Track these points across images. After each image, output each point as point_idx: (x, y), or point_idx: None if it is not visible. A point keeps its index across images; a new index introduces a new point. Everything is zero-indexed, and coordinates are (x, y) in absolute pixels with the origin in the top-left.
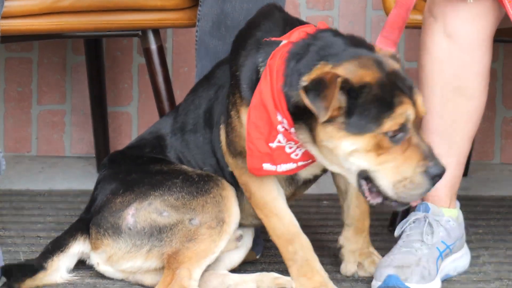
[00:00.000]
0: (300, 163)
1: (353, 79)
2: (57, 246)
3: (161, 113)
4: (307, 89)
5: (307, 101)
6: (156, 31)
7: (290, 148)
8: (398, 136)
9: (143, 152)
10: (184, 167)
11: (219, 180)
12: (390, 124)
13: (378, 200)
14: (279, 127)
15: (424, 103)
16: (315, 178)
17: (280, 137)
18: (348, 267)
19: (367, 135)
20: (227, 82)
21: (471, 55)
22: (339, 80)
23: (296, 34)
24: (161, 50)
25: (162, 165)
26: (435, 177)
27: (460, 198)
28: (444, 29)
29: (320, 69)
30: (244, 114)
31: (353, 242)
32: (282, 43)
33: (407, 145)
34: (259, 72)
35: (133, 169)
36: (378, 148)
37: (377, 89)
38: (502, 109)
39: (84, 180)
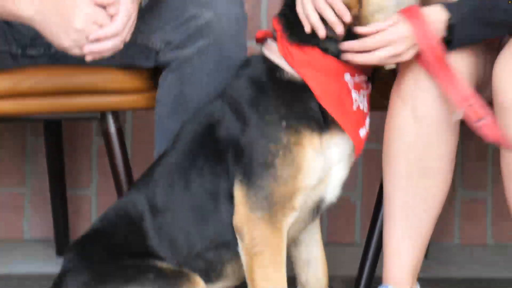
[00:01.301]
0: (368, 118)
1: None
2: None
3: (120, 195)
4: None
5: None
6: (115, 114)
7: (361, 103)
8: None
9: (114, 240)
10: (159, 263)
11: (191, 277)
12: None
13: None
14: (349, 84)
15: (388, 185)
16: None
17: (354, 94)
18: None
19: None
20: (196, 142)
21: (438, 137)
22: None
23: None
24: (120, 133)
25: (136, 259)
26: None
27: (419, 279)
28: (412, 112)
29: None
30: (303, 147)
31: None
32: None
33: None
34: (272, 67)
35: (106, 261)
36: None
37: None
38: (462, 189)
39: (43, 263)
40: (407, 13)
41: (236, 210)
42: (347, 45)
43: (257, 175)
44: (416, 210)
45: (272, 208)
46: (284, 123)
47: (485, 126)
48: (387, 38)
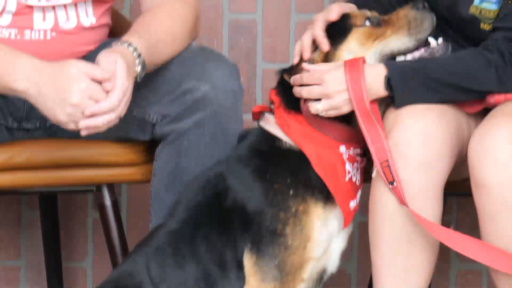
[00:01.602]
0: (359, 191)
1: None
2: None
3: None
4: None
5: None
6: (111, 186)
7: (354, 175)
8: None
9: None
10: None
11: None
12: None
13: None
14: (344, 156)
15: (375, 255)
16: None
17: (348, 166)
18: None
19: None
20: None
21: (422, 205)
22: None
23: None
24: (115, 206)
25: None
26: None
27: None
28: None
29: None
30: (310, 216)
31: None
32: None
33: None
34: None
35: None
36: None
37: None
38: (456, 261)
39: None
40: (350, 62)
41: (247, 281)
42: (293, 78)
43: (267, 243)
44: (403, 280)
45: (283, 278)
46: (291, 192)
47: (394, 190)
48: (321, 77)
